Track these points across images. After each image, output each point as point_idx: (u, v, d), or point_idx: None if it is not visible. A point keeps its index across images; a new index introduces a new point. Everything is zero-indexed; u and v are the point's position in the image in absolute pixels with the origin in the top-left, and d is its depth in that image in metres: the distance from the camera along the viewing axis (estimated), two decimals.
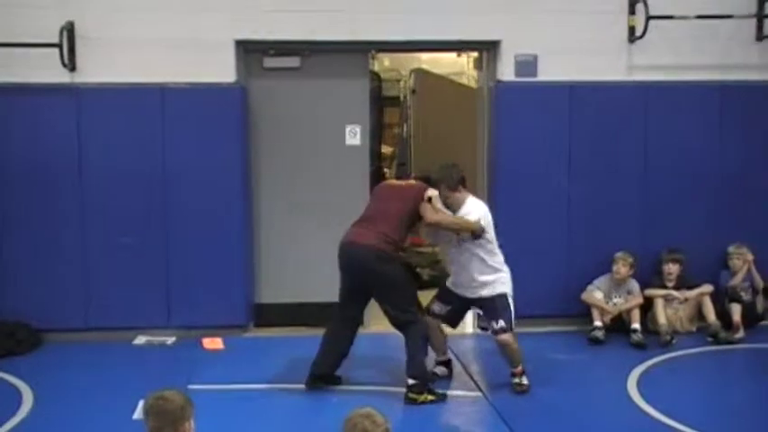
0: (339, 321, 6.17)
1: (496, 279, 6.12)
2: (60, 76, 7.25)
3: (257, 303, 7.90)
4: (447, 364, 6.58)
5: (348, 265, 6.01)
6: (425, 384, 5.94)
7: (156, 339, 7.44)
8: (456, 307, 6.34)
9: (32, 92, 7.28)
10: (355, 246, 5.94)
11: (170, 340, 7.44)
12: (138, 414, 3.52)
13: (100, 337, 7.35)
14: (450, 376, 6.51)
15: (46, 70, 7.21)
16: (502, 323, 6.03)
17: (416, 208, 6.02)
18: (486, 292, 6.12)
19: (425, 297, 6.37)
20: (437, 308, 6.33)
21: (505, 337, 6.06)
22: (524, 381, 6.18)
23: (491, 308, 6.13)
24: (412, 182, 6.45)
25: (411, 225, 6.09)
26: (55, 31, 7.09)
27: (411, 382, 5.90)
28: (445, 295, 6.31)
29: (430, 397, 5.90)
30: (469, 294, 6.20)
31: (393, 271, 5.92)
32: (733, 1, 7.73)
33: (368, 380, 6.29)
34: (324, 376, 6.17)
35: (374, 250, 5.86)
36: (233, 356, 7.11)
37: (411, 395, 5.88)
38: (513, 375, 6.20)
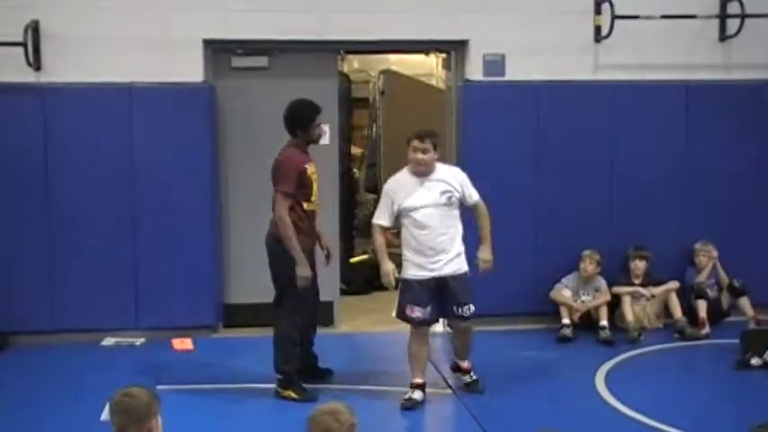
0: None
1: (462, 252, 5.89)
2: (25, 75, 7.18)
3: (226, 304, 7.87)
4: (423, 387, 5.93)
5: None
6: (291, 381, 5.96)
7: (125, 341, 7.37)
8: (433, 305, 5.79)
9: None
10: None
11: (139, 341, 7.39)
12: (105, 415, 3.47)
13: (67, 338, 7.27)
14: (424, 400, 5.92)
15: (10, 69, 7.13)
16: (473, 308, 5.81)
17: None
18: (458, 267, 5.80)
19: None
20: (420, 314, 5.75)
21: (469, 323, 5.93)
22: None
23: (463, 289, 5.79)
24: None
25: (296, 195, 5.90)
26: (19, 30, 7.02)
27: (279, 376, 6.00)
28: (417, 296, 5.76)
29: (294, 395, 5.91)
30: (444, 270, 5.72)
31: (279, 262, 5.97)
32: (697, 1, 7.83)
33: (336, 379, 6.29)
34: (309, 368, 6.21)
35: (270, 237, 6.02)
36: (202, 357, 7.07)
37: (277, 388, 5.98)
38: (466, 372, 6.14)
